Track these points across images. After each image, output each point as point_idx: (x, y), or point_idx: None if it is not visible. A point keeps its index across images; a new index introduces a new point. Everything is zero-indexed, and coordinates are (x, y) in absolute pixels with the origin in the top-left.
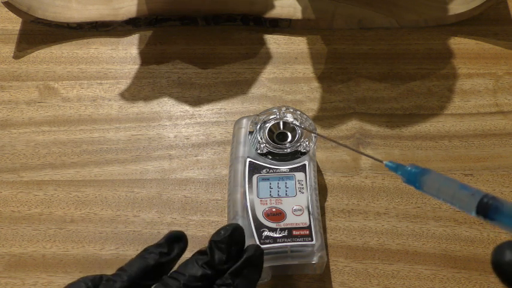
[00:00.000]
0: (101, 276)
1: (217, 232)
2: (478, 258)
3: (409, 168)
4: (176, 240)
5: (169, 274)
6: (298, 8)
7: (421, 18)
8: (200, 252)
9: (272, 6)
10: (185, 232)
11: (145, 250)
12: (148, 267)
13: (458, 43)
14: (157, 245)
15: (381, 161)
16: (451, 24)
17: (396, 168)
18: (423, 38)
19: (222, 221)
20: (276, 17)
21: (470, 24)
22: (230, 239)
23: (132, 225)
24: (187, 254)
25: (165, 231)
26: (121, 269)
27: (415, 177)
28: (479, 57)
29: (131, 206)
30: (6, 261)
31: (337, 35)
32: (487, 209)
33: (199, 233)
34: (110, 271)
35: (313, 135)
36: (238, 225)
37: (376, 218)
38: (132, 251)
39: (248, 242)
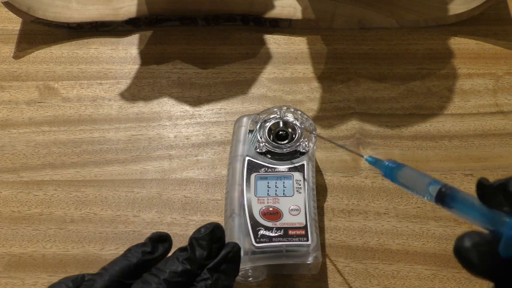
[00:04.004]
0: (83, 276)
1: (198, 230)
2: None
3: (386, 163)
4: (160, 240)
5: (149, 271)
6: (298, 8)
7: (421, 18)
8: (181, 249)
9: (272, 6)
10: (185, 232)
11: (129, 250)
12: (130, 266)
13: (458, 43)
14: (141, 245)
15: (362, 156)
16: (451, 24)
17: (375, 163)
18: (423, 38)
19: (222, 221)
20: (276, 17)
21: (470, 24)
22: (211, 236)
23: (132, 225)
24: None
25: (165, 231)
26: (103, 268)
27: (391, 171)
28: (479, 57)
29: (131, 206)
30: (6, 261)
31: (337, 35)
32: (444, 196)
33: None
34: None
35: (312, 135)
36: (218, 223)
37: (376, 218)
38: None
39: (244, 241)
